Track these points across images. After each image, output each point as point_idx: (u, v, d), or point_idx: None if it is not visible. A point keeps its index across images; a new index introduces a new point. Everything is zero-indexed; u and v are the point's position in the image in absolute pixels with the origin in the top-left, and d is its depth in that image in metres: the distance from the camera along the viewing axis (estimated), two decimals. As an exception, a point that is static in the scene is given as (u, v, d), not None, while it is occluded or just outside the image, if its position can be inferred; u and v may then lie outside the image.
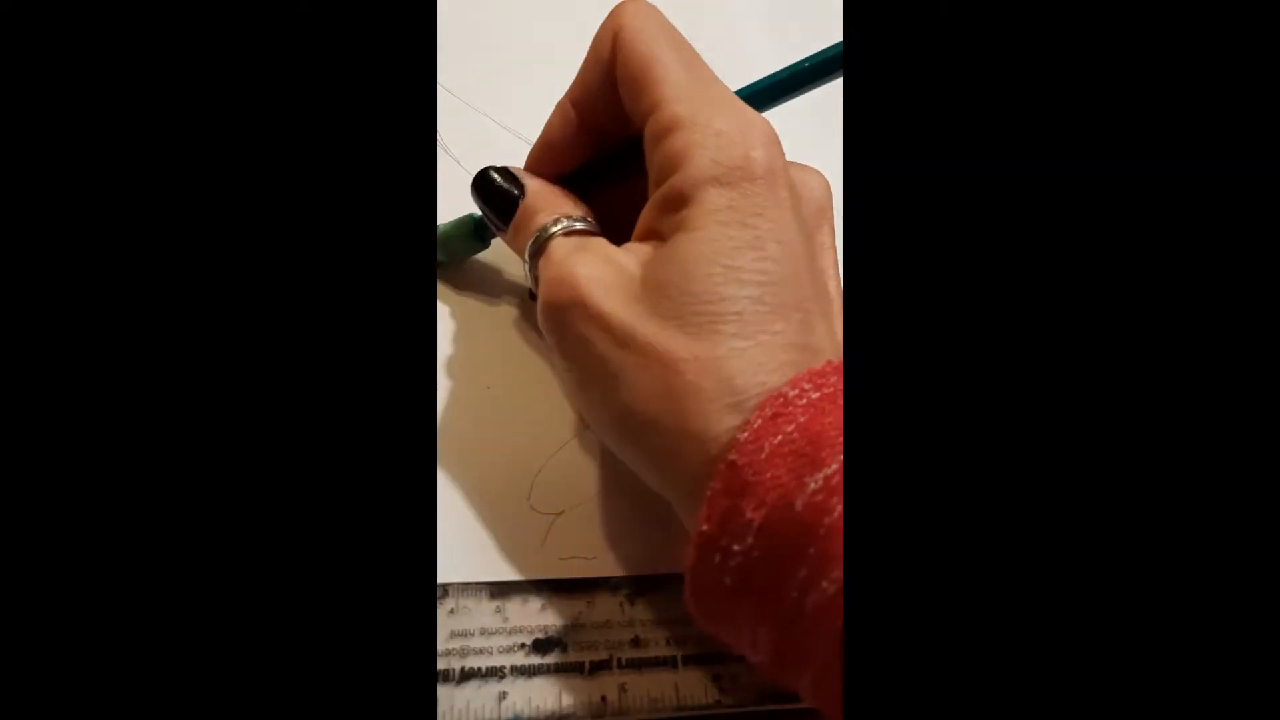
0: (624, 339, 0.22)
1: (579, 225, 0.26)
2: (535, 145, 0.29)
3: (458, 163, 0.34)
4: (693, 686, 0.26)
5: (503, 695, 0.25)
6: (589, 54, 0.27)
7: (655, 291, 0.23)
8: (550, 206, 0.27)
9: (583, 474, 0.28)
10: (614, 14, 0.26)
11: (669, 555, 0.27)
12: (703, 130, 0.23)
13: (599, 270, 0.24)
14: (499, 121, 0.35)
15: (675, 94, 0.24)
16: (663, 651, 0.26)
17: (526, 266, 0.27)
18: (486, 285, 0.31)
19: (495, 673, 0.25)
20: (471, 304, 0.30)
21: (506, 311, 0.31)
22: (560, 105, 0.28)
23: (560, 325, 0.24)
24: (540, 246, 0.26)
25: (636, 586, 0.27)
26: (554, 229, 0.26)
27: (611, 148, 0.28)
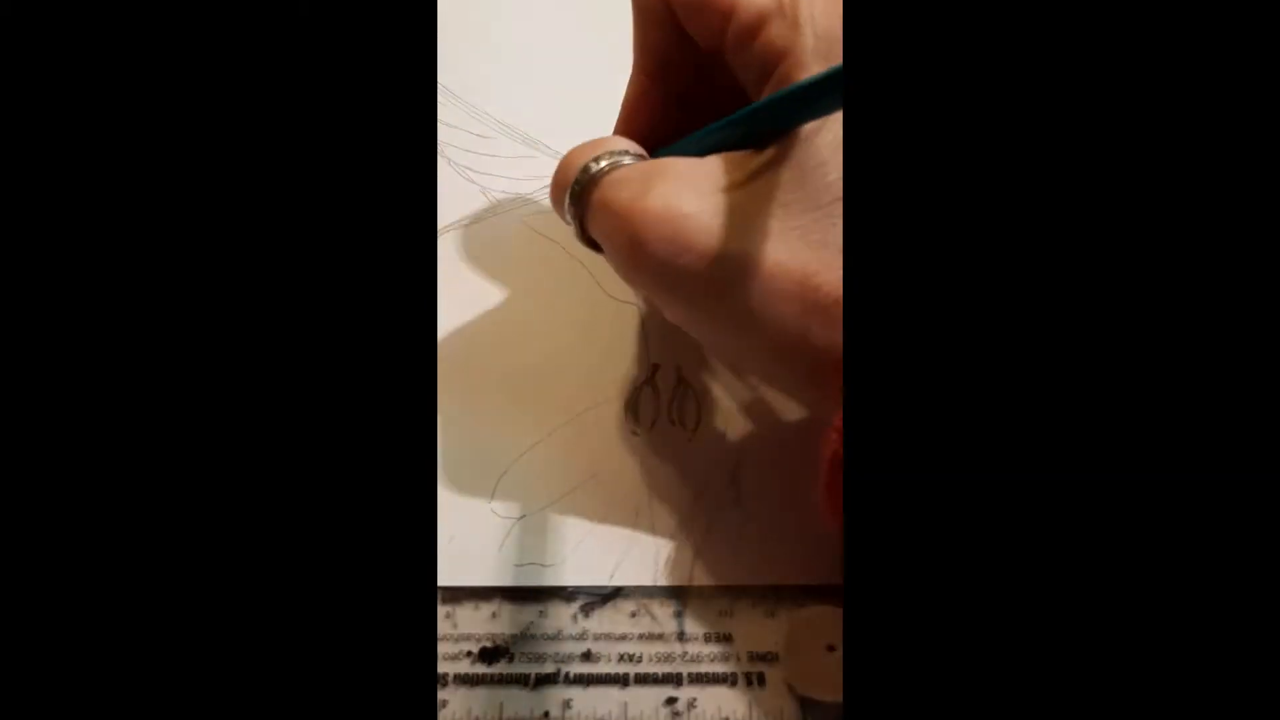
0: (741, 266, 0.20)
1: (627, 159, 0.23)
2: (615, 129, 0.27)
3: (456, 164, 0.33)
4: (643, 707, 0.24)
5: (442, 704, 0.24)
6: (636, 13, 0.25)
7: (768, 199, 0.20)
8: (584, 152, 0.23)
9: (551, 475, 0.27)
10: None
11: (630, 566, 0.26)
12: (793, 7, 0.21)
13: (677, 191, 0.21)
14: (500, 121, 0.34)
15: None
16: (614, 668, 0.24)
17: (572, 224, 0.24)
18: (462, 276, 0.31)
19: (437, 680, 0.24)
20: (447, 296, 0.30)
21: (482, 303, 0.30)
22: (631, 82, 0.27)
23: (653, 268, 0.21)
24: (582, 191, 0.23)
25: (593, 598, 0.25)
26: (597, 168, 0.23)
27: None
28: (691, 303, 0.22)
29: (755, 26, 0.22)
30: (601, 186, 0.22)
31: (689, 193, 0.21)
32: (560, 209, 0.24)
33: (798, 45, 0.21)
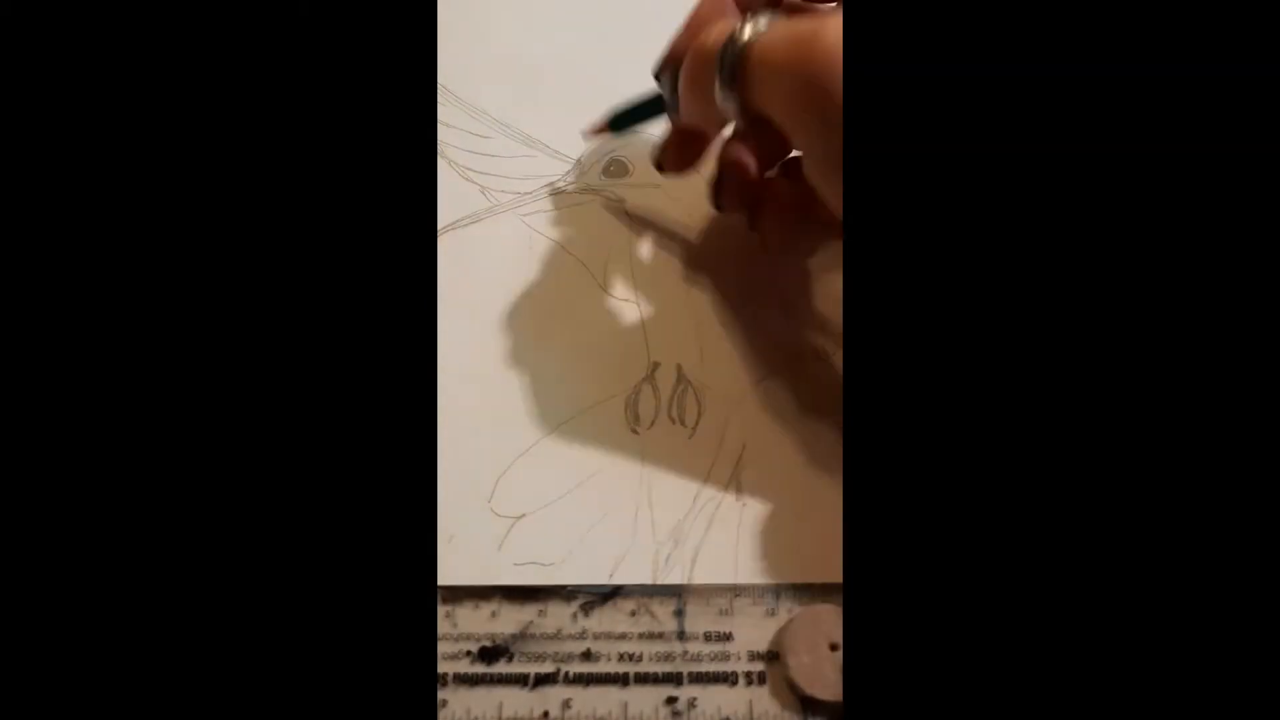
0: None
1: (765, 20, 0.22)
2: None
3: (456, 164, 0.33)
4: (642, 706, 0.24)
5: (442, 703, 0.24)
6: None
7: None
8: (713, 28, 0.23)
9: (550, 475, 0.27)
10: None
11: (630, 565, 0.26)
12: None
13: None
14: (500, 121, 0.34)
15: None
16: (614, 668, 0.24)
17: (726, 100, 0.23)
18: (462, 276, 0.30)
19: (437, 680, 0.24)
20: (446, 295, 0.30)
21: (482, 302, 0.30)
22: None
23: None
24: (739, 57, 0.22)
25: (593, 597, 0.25)
26: (753, 30, 0.22)
27: None
28: None
29: None
30: (762, 46, 0.21)
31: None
32: (702, 91, 0.23)
33: None
